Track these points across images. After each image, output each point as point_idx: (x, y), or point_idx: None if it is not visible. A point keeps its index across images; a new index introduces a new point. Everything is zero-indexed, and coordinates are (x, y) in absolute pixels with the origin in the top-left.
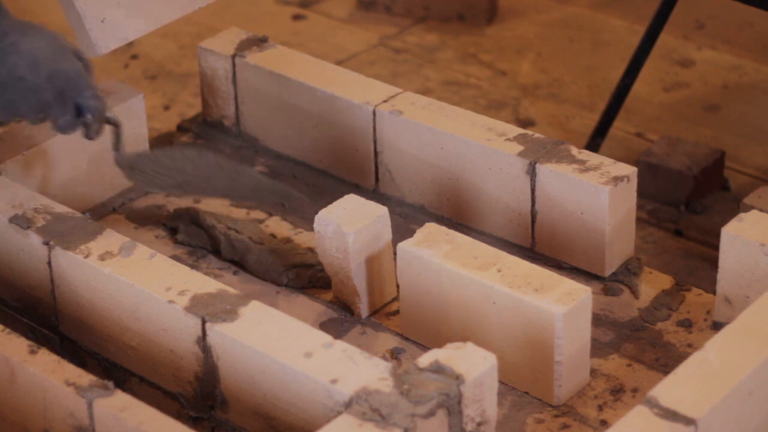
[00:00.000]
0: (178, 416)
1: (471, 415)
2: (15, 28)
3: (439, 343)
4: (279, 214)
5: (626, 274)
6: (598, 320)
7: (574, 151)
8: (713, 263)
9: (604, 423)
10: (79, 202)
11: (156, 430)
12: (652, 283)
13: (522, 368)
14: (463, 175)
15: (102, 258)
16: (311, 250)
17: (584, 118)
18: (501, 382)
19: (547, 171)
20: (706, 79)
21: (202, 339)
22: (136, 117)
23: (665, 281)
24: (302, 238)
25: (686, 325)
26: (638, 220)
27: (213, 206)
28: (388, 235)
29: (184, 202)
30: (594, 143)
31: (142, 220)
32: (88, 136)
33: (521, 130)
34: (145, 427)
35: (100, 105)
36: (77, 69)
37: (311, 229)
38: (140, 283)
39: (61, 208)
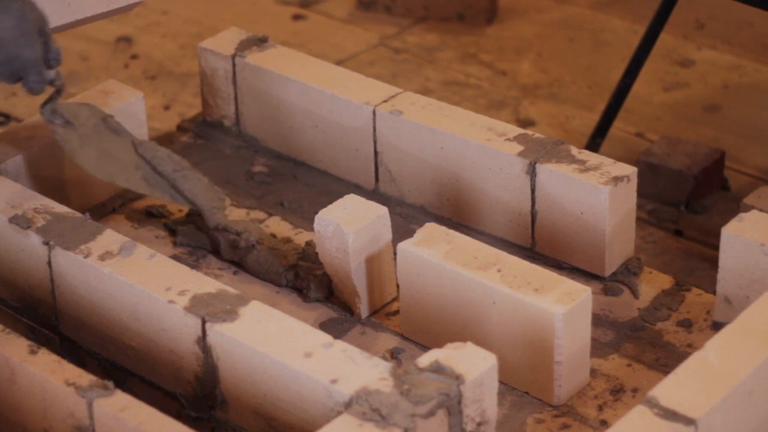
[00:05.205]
0: (178, 416)
1: (471, 415)
2: None
3: (439, 343)
4: (279, 214)
5: (626, 274)
6: (598, 320)
7: (574, 151)
8: (713, 263)
9: (604, 423)
10: (79, 202)
11: (156, 430)
12: (652, 283)
13: (522, 368)
14: (463, 175)
15: (102, 258)
16: None
17: (584, 118)
18: (501, 382)
19: (547, 171)
20: (706, 79)
21: (202, 339)
22: (136, 117)
23: (665, 281)
24: (302, 238)
25: (686, 325)
26: (638, 220)
27: None
28: (388, 235)
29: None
30: (594, 143)
31: (142, 220)
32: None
33: (521, 130)
34: (145, 427)
35: (38, 88)
36: (35, 58)
37: (311, 229)
38: (140, 283)
39: (61, 208)
